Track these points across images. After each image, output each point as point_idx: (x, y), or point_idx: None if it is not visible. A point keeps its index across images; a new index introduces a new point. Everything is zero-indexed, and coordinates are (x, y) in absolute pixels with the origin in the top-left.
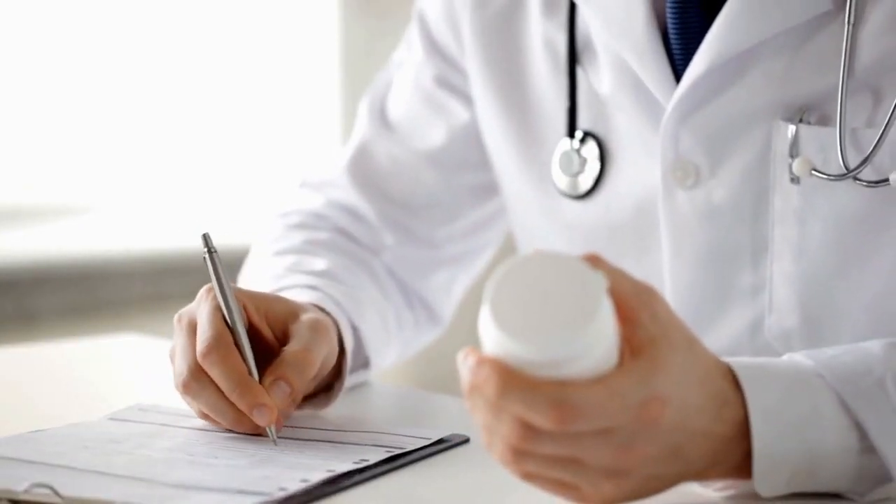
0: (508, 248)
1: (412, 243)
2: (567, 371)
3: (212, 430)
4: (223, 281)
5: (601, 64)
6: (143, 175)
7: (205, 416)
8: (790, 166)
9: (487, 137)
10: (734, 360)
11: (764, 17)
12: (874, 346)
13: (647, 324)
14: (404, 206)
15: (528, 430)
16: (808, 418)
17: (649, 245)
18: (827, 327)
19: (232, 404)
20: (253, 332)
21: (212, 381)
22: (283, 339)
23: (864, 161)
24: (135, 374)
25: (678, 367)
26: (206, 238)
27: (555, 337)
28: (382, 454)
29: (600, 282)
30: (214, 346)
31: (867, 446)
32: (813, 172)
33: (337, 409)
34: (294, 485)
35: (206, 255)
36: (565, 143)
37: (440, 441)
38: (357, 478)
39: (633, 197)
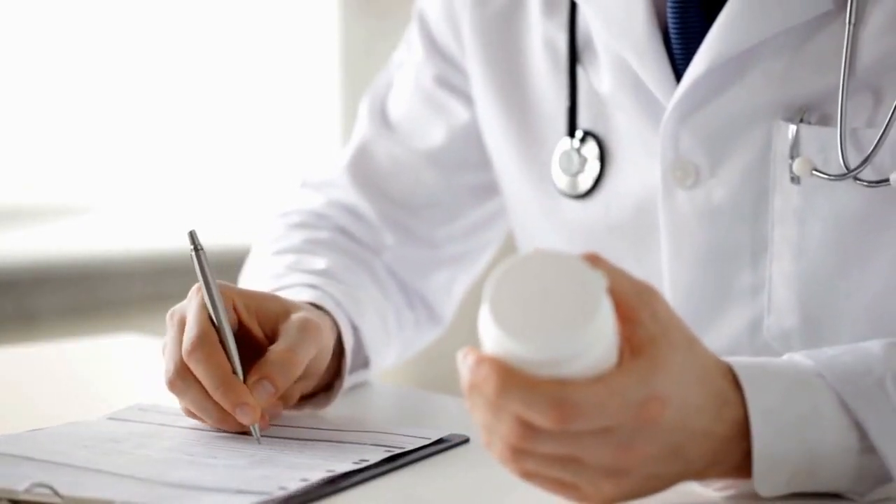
0: (509, 247)
1: (412, 243)
2: (567, 370)
3: (212, 431)
4: (209, 279)
5: (601, 63)
6: (143, 175)
7: (191, 415)
8: (790, 166)
9: (487, 137)
10: (734, 360)
11: (764, 17)
12: (874, 346)
13: (647, 323)
14: (404, 205)
15: (528, 429)
16: (807, 418)
17: (649, 245)
18: (826, 327)
19: (217, 403)
20: (243, 331)
21: (196, 379)
22: (274, 337)
23: (865, 161)
24: (135, 374)
25: (678, 367)
26: (192, 235)
27: (554, 336)
28: (382, 454)
29: (600, 281)
30: (198, 344)
31: (867, 446)
32: (813, 172)
33: (337, 409)
34: (294, 484)
35: (193, 253)
36: (565, 143)
37: (440, 441)
38: (357, 478)
39: (633, 196)
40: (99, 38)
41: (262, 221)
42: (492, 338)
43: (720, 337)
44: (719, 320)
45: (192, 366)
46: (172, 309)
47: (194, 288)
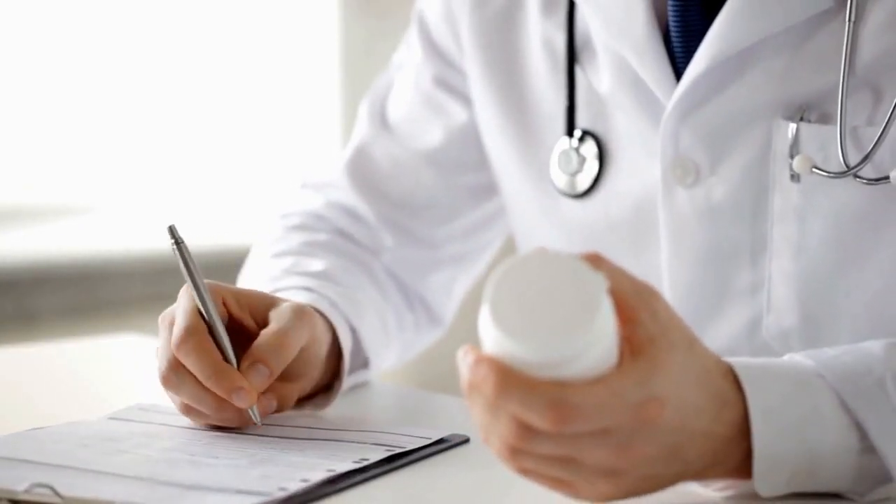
0: (509, 248)
1: (412, 244)
2: (566, 371)
3: (212, 431)
4: (193, 270)
5: (600, 63)
6: (143, 175)
7: (188, 410)
8: (790, 164)
9: (486, 137)
10: (735, 361)
11: (765, 15)
12: (874, 346)
13: (647, 323)
14: (404, 206)
15: (526, 429)
16: (808, 418)
17: (648, 244)
18: (826, 326)
19: (213, 392)
20: (235, 323)
21: (189, 372)
22: (266, 326)
23: (865, 159)
24: (135, 374)
25: (678, 367)
26: (171, 230)
27: (554, 338)
28: (382, 453)
29: (600, 282)
30: (187, 336)
31: (867, 446)
32: (813, 170)
33: (337, 409)
34: (294, 484)
35: (175, 247)
36: (564, 142)
37: (440, 441)
38: (357, 478)
39: (632, 196)
40: (99, 39)
41: (262, 222)
42: (491, 338)
43: (719, 336)
44: (718, 319)
45: (182, 358)
46: (164, 312)
47: (183, 288)
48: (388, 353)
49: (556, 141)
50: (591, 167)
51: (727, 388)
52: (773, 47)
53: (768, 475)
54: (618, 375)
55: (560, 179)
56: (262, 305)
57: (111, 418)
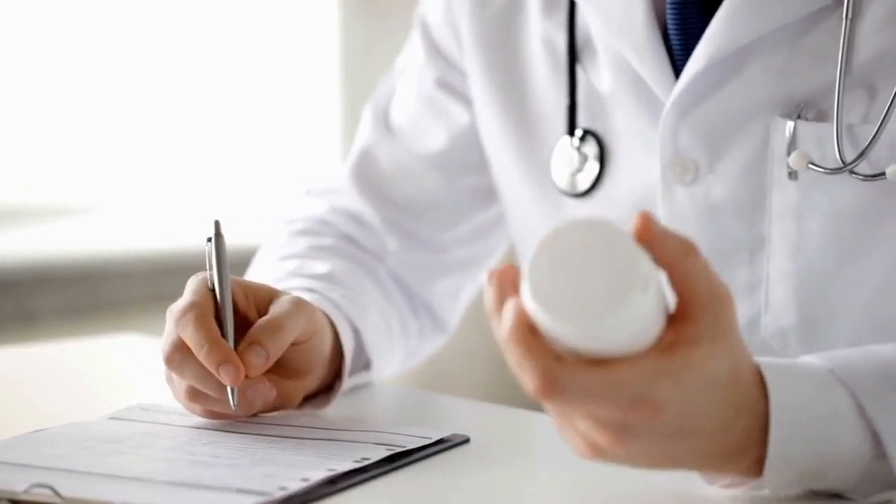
0: (510, 255)
1: (416, 248)
2: (592, 346)
3: (213, 430)
4: (224, 261)
5: (601, 62)
6: (143, 175)
7: (193, 397)
8: (787, 162)
9: (486, 138)
10: (762, 361)
11: (763, 13)
12: (890, 350)
13: (703, 328)
14: (407, 209)
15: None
16: (826, 421)
17: None
18: (824, 325)
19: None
20: (240, 316)
21: (193, 352)
22: None
23: (860, 155)
24: (135, 374)
25: (698, 378)
26: (217, 225)
27: (573, 314)
28: (383, 452)
29: (643, 267)
30: (189, 307)
31: (880, 452)
32: (809, 166)
33: (337, 409)
34: (294, 484)
35: (213, 240)
36: (565, 142)
37: (441, 441)
38: (357, 477)
39: (633, 194)
40: (98, 39)
41: (262, 222)
42: (522, 289)
43: None
44: None
45: (181, 330)
46: (172, 306)
47: (192, 277)
48: (391, 356)
49: (556, 140)
50: (592, 166)
51: (748, 394)
52: (771, 44)
53: (779, 474)
54: (628, 365)
55: (561, 179)
56: (265, 298)
57: (112, 418)
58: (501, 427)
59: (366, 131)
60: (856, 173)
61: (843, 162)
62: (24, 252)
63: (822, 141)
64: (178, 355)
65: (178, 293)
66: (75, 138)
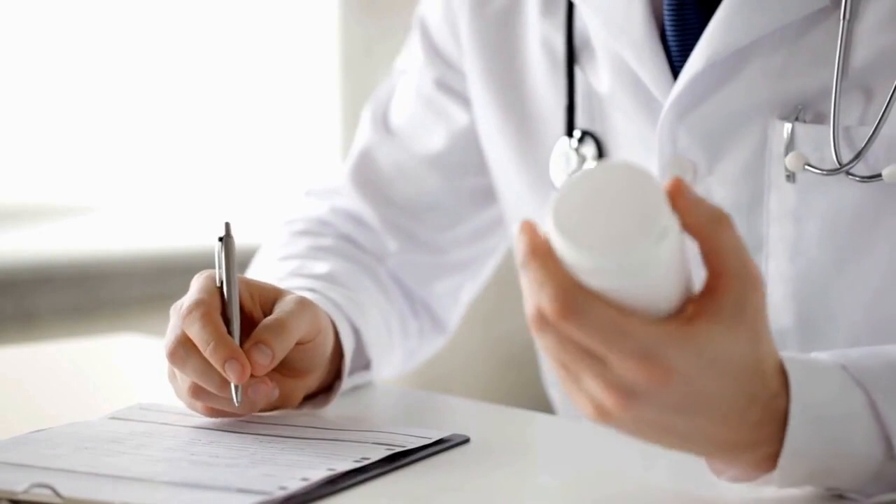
0: (510, 257)
1: (416, 249)
2: (603, 283)
3: (213, 430)
4: (233, 261)
5: (599, 63)
6: (143, 176)
7: (195, 394)
8: (785, 163)
9: (485, 139)
10: (786, 357)
11: (761, 14)
12: None
13: (729, 305)
14: (407, 210)
15: (537, 307)
16: (843, 421)
17: None
18: (822, 326)
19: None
20: (245, 315)
21: (196, 347)
22: None
23: (857, 157)
24: (135, 374)
25: (715, 357)
26: (227, 226)
27: (594, 247)
28: (383, 452)
29: (664, 218)
30: (196, 305)
31: (892, 455)
32: (807, 168)
33: (337, 409)
34: (295, 483)
35: (223, 241)
36: (563, 143)
37: (441, 441)
38: (357, 477)
39: None
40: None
41: (262, 222)
42: (547, 220)
43: None
44: None
45: (187, 327)
46: (176, 303)
47: (197, 274)
48: (390, 356)
49: (555, 141)
50: (568, 179)
51: (767, 387)
52: (769, 46)
53: (789, 472)
54: (645, 321)
55: (559, 180)
56: (271, 298)
57: (112, 418)
58: (501, 427)
59: (365, 132)
60: (852, 175)
61: (840, 163)
62: (24, 252)
63: (819, 143)
64: (182, 351)
65: (178, 293)
66: (76, 138)
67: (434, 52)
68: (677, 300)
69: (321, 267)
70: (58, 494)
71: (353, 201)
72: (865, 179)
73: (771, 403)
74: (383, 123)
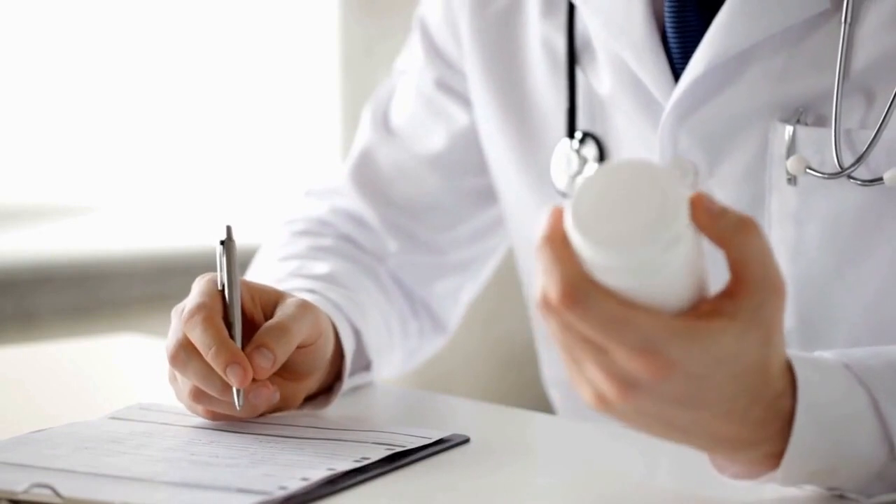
0: (510, 257)
1: (417, 249)
2: (613, 279)
3: (213, 429)
4: (234, 264)
5: (600, 64)
6: (143, 176)
7: (197, 397)
8: (786, 166)
9: (485, 140)
10: (794, 356)
11: (762, 17)
12: None
13: (746, 308)
14: (407, 210)
15: (544, 293)
16: (848, 422)
17: None
18: (822, 329)
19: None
20: (246, 318)
21: (197, 351)
22: None
23: (858, 160)
24: (135, 374)
25: (720, 355)
26: (229, 230)
27: (607, 243)
28: (383, 452)
29: (681, 222)
30: (198, 309)
31: (894, 456)
32: (808, 171)
33: (338, 409)
34: (294, 483)
35: (225, 244)
36: (565, 144)
37: (441, 441)
38: (357, 477)
39: None
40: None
41: (261, 222)
42: (565, 212)
43: None
44: None
45: (189, 331)
46: (177, 305)
47: (198, 277)
48: (391, 356)
49: (556, 142)
50: (592, 169)
51: (772, 387)
52: (771, 49)
53: (793, 469)
54: (652, 314)
55: (560, 181)
56: (272, 301)
57: (112, 418)
58: (501, 427)
59: (365, 132)
60: (854, 178)
61: (841, 167)
62: (24, 252)
63: (820, 146)
64: (184, 354)
65: (178, 293)
66: (76, 138)
67: (434, 52)
68: (689, 302)
69: (321, 267)
70: (58, 494)
71: (353, 201)
72: (867, 183)
73: (775, 403)
74: (383, 124)
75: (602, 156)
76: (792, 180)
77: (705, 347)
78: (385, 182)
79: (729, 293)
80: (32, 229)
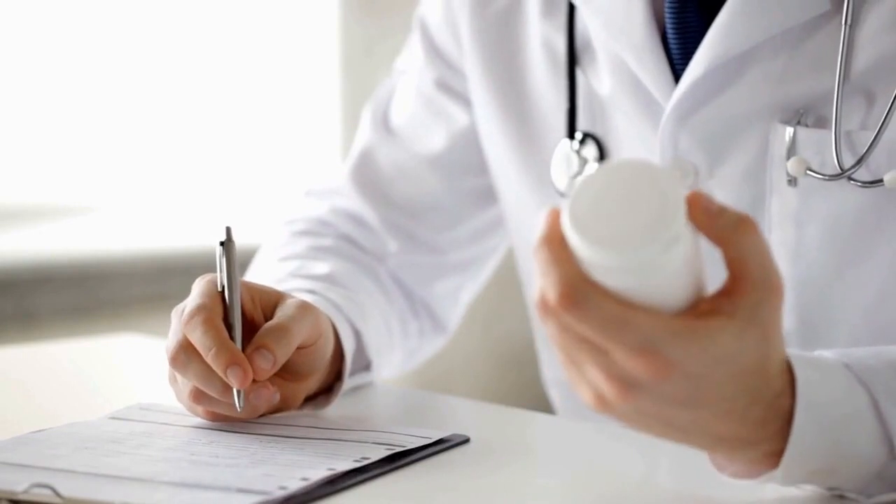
0: (510, 257)
1: (417, 250)
2: (611, 280)
3: (213, 429)
4: (234, 265)
5: (600, 65)
6: (143, 176)
7: (197, 398)
8: (787, 168)
9: (485, 140)
10: (793, 355)
11: (763, 18)
12: None
13: (744, 307)
14: (407, 210)
15: (543, 294)
16: (848, 422)
17: None
18: (823, 330)
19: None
20: (246, 319)
21: (198, 352)
22: None
23: (859, 162)
24: (135, 374)
25: (718, 355)
26: (228, 231)
27: (604, 244)
28: (383, 452)
29: (679, 224)
30: (198, 311)
31: (894, 456)
32: (808, 172)
33: (338, 409)
34: (295, 483)
35: (225, 245)
36: (565, 145)
37: (441, 441)
38: (357, 477)
39: None
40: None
41: (261, 222)
42: (563, 212)
43: None
44: None
45: (189, 333)
46: (177, 306)
47: (199, 278)
48: (391, 356)
49: (556, 143)
50: (592, 170)
51: (771, 387)
52: (771, 50)
53: (793, 468)
54: (650, 314)
55: (561, 182)
56: (272, 302)
57: (112, 418)
58: (501, 427)
59: (365, 132)
60: (854, 180)
61: (842, 168)
62: (24, 252)
63: (821, 147)
64: (184, 355)
65: (178, 293)
66: (76, 138)
67: (434, 52)
68: (687, 301)
69: (321, 267)
70: (58, 494)
71: (353, 201)
72: (867, 185)
73: (774, 403)
74: (383, 124)
75: (602, 156)
76: (792, 182)
77: (704, 347)
78: (385, 182)
79: (727, 292)
80: (32, 229)
